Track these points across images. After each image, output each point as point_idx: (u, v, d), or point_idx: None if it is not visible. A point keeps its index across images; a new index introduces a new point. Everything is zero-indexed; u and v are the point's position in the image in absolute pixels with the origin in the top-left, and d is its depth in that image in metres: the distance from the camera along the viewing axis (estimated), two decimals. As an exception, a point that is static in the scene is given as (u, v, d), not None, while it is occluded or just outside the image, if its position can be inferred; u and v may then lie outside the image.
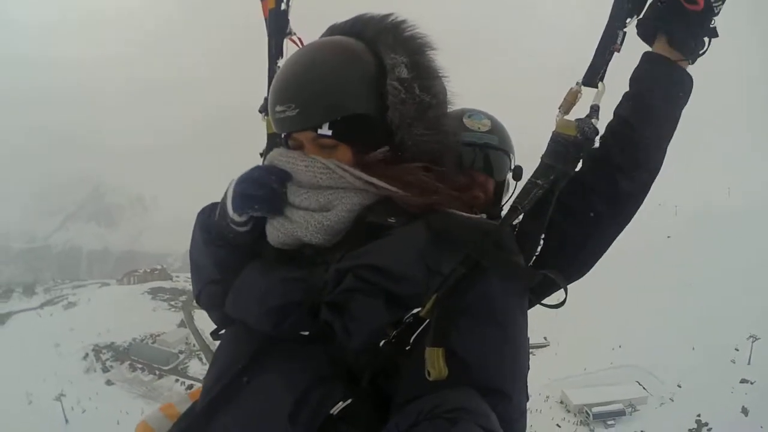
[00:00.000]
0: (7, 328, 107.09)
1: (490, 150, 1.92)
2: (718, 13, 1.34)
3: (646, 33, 1.41)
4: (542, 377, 63.82)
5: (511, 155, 2.01)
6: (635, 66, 1.44)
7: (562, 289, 1.35)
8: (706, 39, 1.38)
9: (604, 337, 73.83)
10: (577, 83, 1.37)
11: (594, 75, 1.35)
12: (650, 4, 1.37)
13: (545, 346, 77.34)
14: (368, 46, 1.31)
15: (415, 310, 1.12)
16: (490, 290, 1.13)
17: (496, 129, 1.97)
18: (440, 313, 1.08)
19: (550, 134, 1.36)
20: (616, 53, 1.36)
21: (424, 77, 1.29)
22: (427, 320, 1.11)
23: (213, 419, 1.13)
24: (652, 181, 1.42)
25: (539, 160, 1.39)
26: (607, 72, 1.38)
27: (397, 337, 1.12)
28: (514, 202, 1.34)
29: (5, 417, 60.78)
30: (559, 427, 57.49)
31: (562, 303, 1.33)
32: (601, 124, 1.35)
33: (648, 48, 1.44)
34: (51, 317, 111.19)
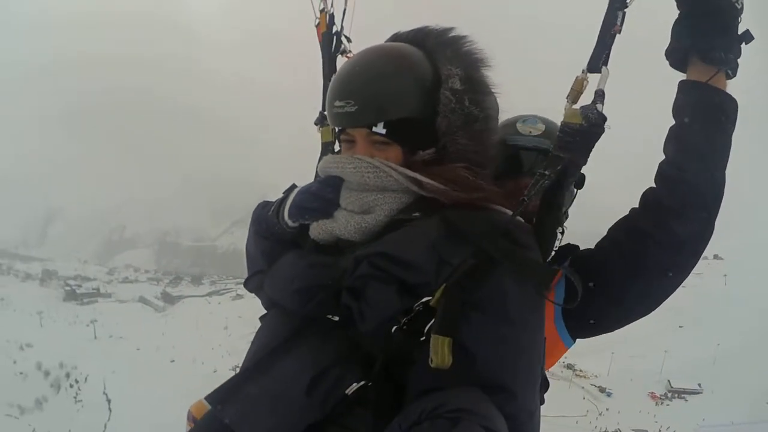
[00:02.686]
0: (178, 308, 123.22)
1: (538, 153, 1.82)
2: (741, 8, 1.26)
3: (675, 60, 1.35)
4: (692, 422, 61.97)
5: None
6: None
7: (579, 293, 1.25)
8: (739, 45, 1.28)
9: (763, 386, 68.92)
10: (583, 71, 1.33)
11: (597, 60, 1.31)
12: (672, 27, 1.32)
13: (698, 393, 74.20)
14: (427, 55, 1.39)
15: (426, 299, 1.13)
16: (502, 286, 1.13)
17: (550, 133, 1.82)
18: (448, 302, 1.09)
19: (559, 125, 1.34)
20: (618, 35, 1.30)
21: (475, 91, 1.35)
22: None
23: (244, 387, 1.19)
24: (711, 221, 1.33)
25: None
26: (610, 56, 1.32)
27: (408, 325, 1.13)
28: (523, 195, 1.31)
29: (181, 380, 69.21)
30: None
31: (575, 301, 1.24)
32: (607, 108, 1.30)
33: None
34: (219, 305, 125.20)
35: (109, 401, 68.66)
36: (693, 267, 1.39)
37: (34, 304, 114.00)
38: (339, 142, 1.48)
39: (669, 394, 74.63)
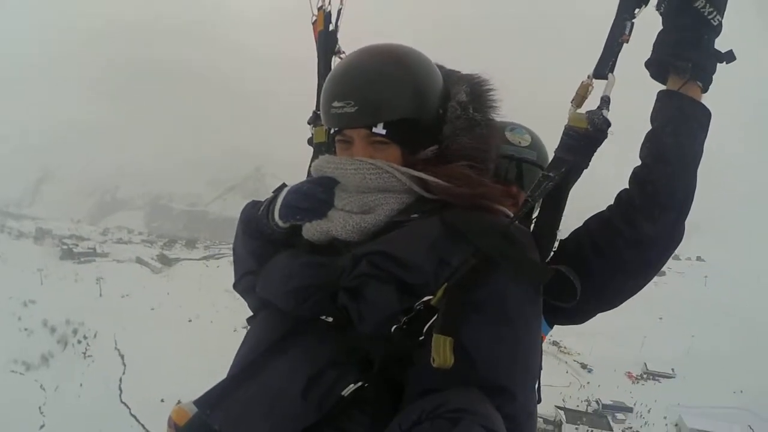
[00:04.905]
0: (176, 270, 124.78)
1: (525, 164, 1.88)
2: (718, 25, 1.28)
3: (653, 71, 1.38)
4: (665, 401, 68.32)
5: None
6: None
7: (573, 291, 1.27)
8: (714, 61, 1.31)
9: (730, 378, 75.57)
10: (588, 76, 1.33)
11: (604, 66, 1.31)
12: (656, 39, 1.34)
13: (671, 377, 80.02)
14: (441, 72, 1.41)
15: (426, 299, 1.11)
16: (501, 287, 1.12)
17: (536, 145, 1.93)
18: (449, 302, 1.07)
19: (563, 128, 1.33)
20: (625, 44, 1.31)
21: (480, 102, 1.39)
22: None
23: (234, 391, 1.16)
24: (679, 223, 1.34)
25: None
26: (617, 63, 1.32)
27: (408, 325, 1.12)
28: (526, 196, 1.32)
29: (198, 337, 73.82)
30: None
31: (575, 300, 1.25)
32: (612, 114, 1.31)
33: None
34: (217, 268, 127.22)
35: (122, 356, 70.64)
36: (659, 267, 1.41)
37: (32, 261, 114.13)
38: (334, 142, 1.41)
39: (644, 376, 79.93)
